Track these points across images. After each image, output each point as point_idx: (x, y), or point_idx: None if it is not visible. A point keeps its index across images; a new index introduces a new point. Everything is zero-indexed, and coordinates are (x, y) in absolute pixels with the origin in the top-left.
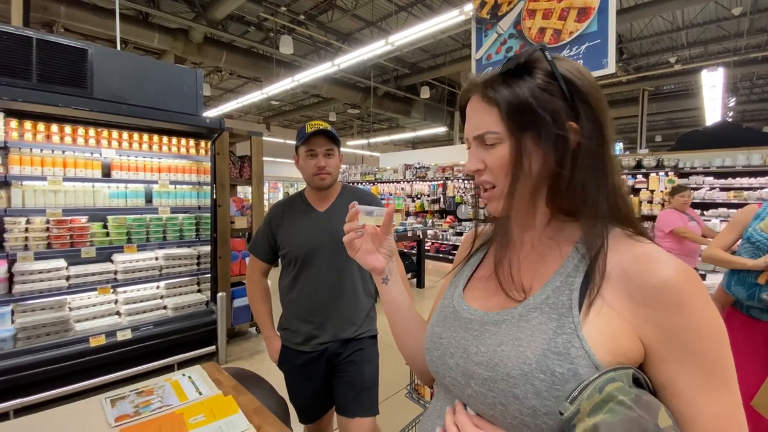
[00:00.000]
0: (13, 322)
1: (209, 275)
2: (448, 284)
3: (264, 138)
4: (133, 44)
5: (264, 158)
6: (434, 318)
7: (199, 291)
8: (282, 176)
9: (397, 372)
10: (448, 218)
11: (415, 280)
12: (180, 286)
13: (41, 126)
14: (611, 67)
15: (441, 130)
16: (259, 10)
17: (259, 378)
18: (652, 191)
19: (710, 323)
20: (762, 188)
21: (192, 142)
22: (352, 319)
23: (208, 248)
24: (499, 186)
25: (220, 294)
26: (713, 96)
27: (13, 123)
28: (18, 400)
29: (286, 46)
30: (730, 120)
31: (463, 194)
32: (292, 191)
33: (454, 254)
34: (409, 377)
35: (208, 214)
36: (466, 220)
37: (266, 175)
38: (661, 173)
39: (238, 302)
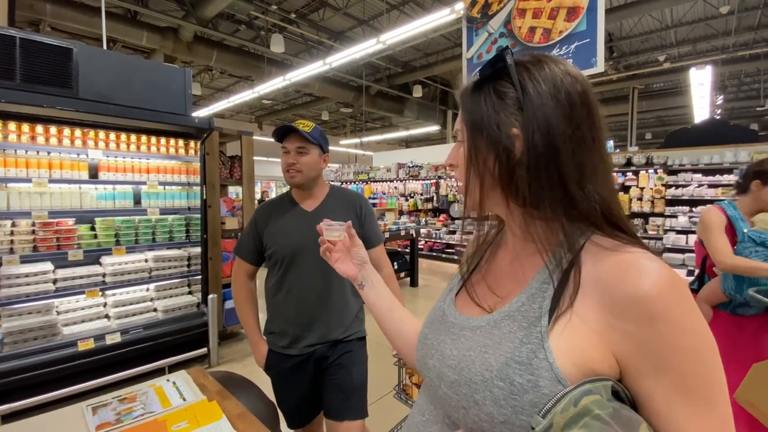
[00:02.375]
0: None
1: (200, 277)
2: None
3: (256, 137)
4: (122, 43)
5: (256, 158)
6: (427, 319)
7: (189, 293)
8: (275, 176)
9: (387, 373)
10: (441, 217)
11: (408, 279)
12: (170, 288)
13: (26, 127)
14: (600, 66)
15: (434, 128)
16: (250, 8)
17: (248, 382)
18: (642, 188)
19: (690, 337)
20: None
21: (181, 142)
22: (340, 320)
23: (198, 249)
24: (462, 182)
25: (211, 296)
26: (702, 94)
27: None
28: (6, 406)
29: (277, 45)
30: (718, 117)
31: (456, 193)
32: (285, 190)
33: (448, 252)
34: (398, 377)
35: (199, 215)
36: (459, 219)
37: (258, 174)
38: (651, 171)
39: (230, 304)
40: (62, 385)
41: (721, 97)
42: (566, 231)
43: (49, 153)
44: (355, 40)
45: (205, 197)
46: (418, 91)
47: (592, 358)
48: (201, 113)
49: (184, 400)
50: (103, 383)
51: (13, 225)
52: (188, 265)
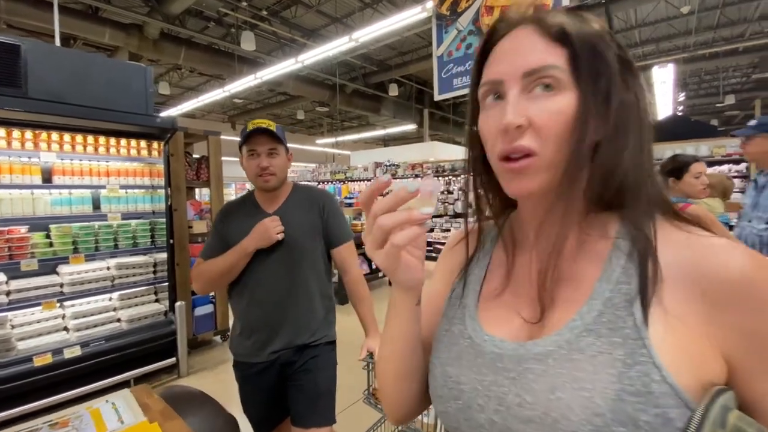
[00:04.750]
0: None
1: (167, 284)
2: (446, 302)
3: (228, 138)
4: (83, 40)
5: (229, 158)
6: (442, 352)
7: (157, 301)
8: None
9: (360, 378)
10: None
11: (388, 278)
12: (135, 297)
13: None
14: None
15: (411, 127)
16: (219, 5)
17: (205, 397)
18: None
19: None
20: None
21: (143, 143)
22: (306, 324)
23: (164, 255)
24: (544, 153)
25: (179, 303)
26: (664, 91)
27: None
28: None
29: (248, 42)
30: (680, 114)
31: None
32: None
33: (427, 251)
34: (367, 381)
35: (164, 219)
36: (436, 216)
37: (232, 176)
38: None
39: (200, 310)
40: (18, 403)
41: (683, 94)
42: (639, 213)
43: None
44: (329, 38)
45: (170, 201)
46: (394, 90)
47: (706, 366)
48: (170, 113)
49: (122, 423)
50: (61, 400)
51: None
52: (155, 272)
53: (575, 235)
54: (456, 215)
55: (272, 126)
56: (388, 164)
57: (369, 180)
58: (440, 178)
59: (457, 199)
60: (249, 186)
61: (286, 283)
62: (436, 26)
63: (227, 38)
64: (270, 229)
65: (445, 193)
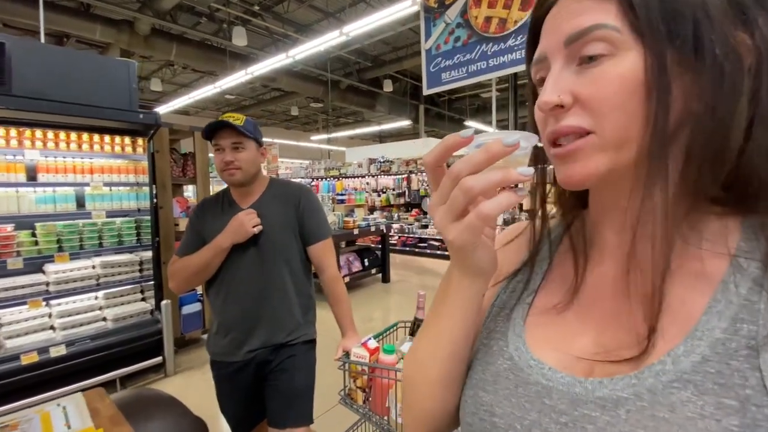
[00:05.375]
0: None
1: (152, 282)
2: (488, 310)
3: None
4: (76, 38)
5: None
6: (476, 371)
7: (143, 299)
8: None
9: (339, 378)
10: (414, 211)
11: (380, 275)
12: (121, 296)
13: None
14: None
15: (406, 123)
16: (210, 0)
17: (171, 400)
18: None
19: None
20: None
21: (128, 139)
22: (283, 323)
23: (150, 253)
24: (602, 131)
25: (164, 302)
26: None
27: None
28: None
29: (240, 38)
30: None
31: (427, 187)
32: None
33: (421, 247)
34: (343, 382)
35: (149, 217)
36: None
37: None
38: None
39: (187, 309)
40: (5, 401)
41: None
42: (758, 222)
43: None
44: (322, 33)
45: (155, 198)
46: (388, 86)
47: None
48: (163, 110)
49: (68, 428)
50: (47, 398)
51: None
52: (140, 270)
53: (667, 242)
54: None
55: (239, 119)
56: (382, 160)
57: (363, 177)
58: None
59: None
60: None
61: (261, 281)
62: (425, 19)
63: (219, 34)
64: (245, 223)
65: None
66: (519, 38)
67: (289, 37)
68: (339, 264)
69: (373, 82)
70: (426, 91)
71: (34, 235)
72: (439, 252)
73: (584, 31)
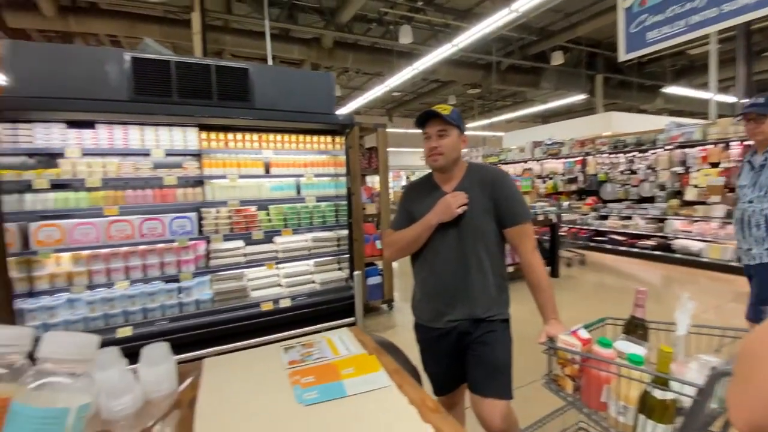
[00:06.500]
0: (210, 288)
1: (347, 256)
2: None
3: (387, 129)
4: (279, 59)
5: (389, 149)
6: None
7: (339, 269)
8: (403, 165)
9: (528, 362)
10: (590, 199)
11: (549, 269)
12: (325, 264)
13: (221, 135)
14: None
15: (578, 98)
16: (380, 5)
17: (395, 347)
18: None
19: None
20: None
21: (329, 138)
22: (480, 299)
23: (345, 232)
24: None
25: (356, 272)
26: None
27: (203, 135)
28: (214, 348)
29: (406, 36)
30: None
31: (608, 171)
32: (413, 178)
33: (597, 241)
34: (548, 366)
35: (344, 202)
36: (612, 201)
37: (390, 164)
38: None
39: (371, 281)
40: (249, 337)
41: None
42: None
43: (237, 155)
44: (484, 15)
45: (350, 186)
46: (558, 58)
47: None
48: (341, 112)
49: (349, 351)
50: (275, 339)
51: (217, 211)
52: (338, 245)
53: None
54: (640, 200)
55: (446, 110)
56: (549, 143)
57: (524, 162)
58: (621, 155)
59: (644, 180)
60: (403, 173)
61: (460, 258)
62: None
63: (386, 36)
64: (452, 204)
65: (628, 172)
66: None
67: (449, 26)
68: None
69: (538, 58)
70: (623, 57)
71: (268, 214)
72: (622, 248)
73: None
